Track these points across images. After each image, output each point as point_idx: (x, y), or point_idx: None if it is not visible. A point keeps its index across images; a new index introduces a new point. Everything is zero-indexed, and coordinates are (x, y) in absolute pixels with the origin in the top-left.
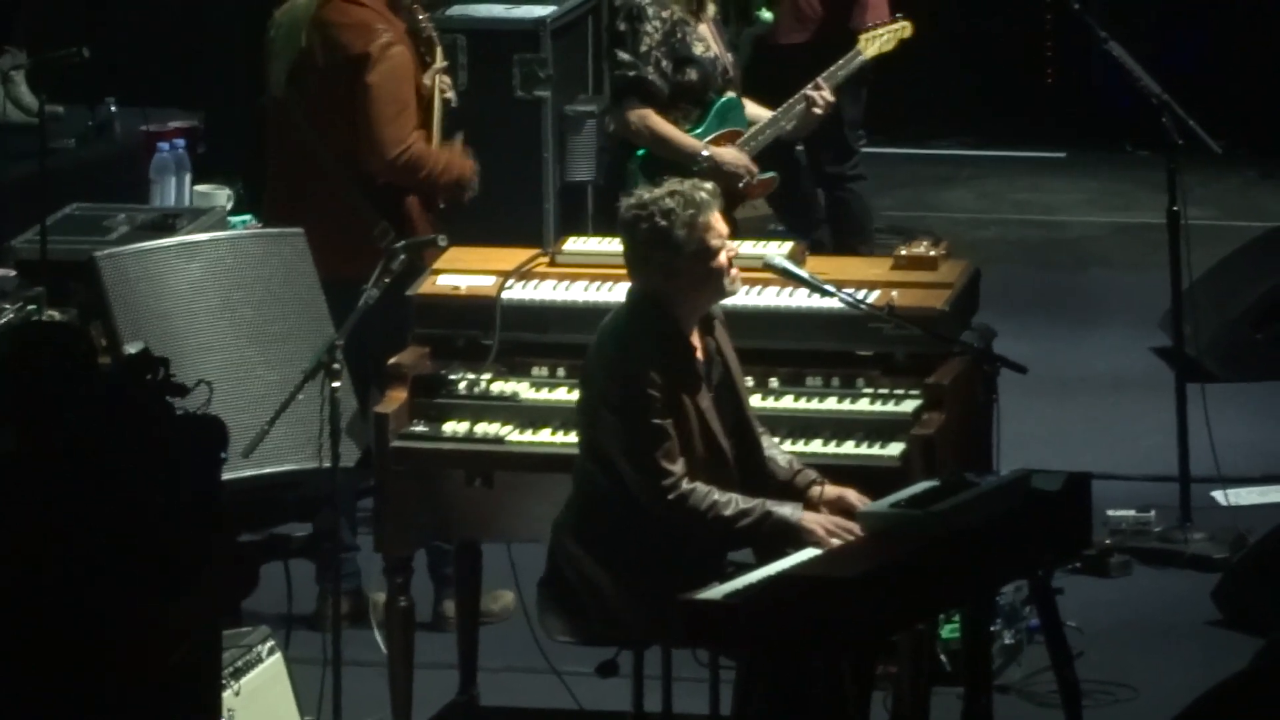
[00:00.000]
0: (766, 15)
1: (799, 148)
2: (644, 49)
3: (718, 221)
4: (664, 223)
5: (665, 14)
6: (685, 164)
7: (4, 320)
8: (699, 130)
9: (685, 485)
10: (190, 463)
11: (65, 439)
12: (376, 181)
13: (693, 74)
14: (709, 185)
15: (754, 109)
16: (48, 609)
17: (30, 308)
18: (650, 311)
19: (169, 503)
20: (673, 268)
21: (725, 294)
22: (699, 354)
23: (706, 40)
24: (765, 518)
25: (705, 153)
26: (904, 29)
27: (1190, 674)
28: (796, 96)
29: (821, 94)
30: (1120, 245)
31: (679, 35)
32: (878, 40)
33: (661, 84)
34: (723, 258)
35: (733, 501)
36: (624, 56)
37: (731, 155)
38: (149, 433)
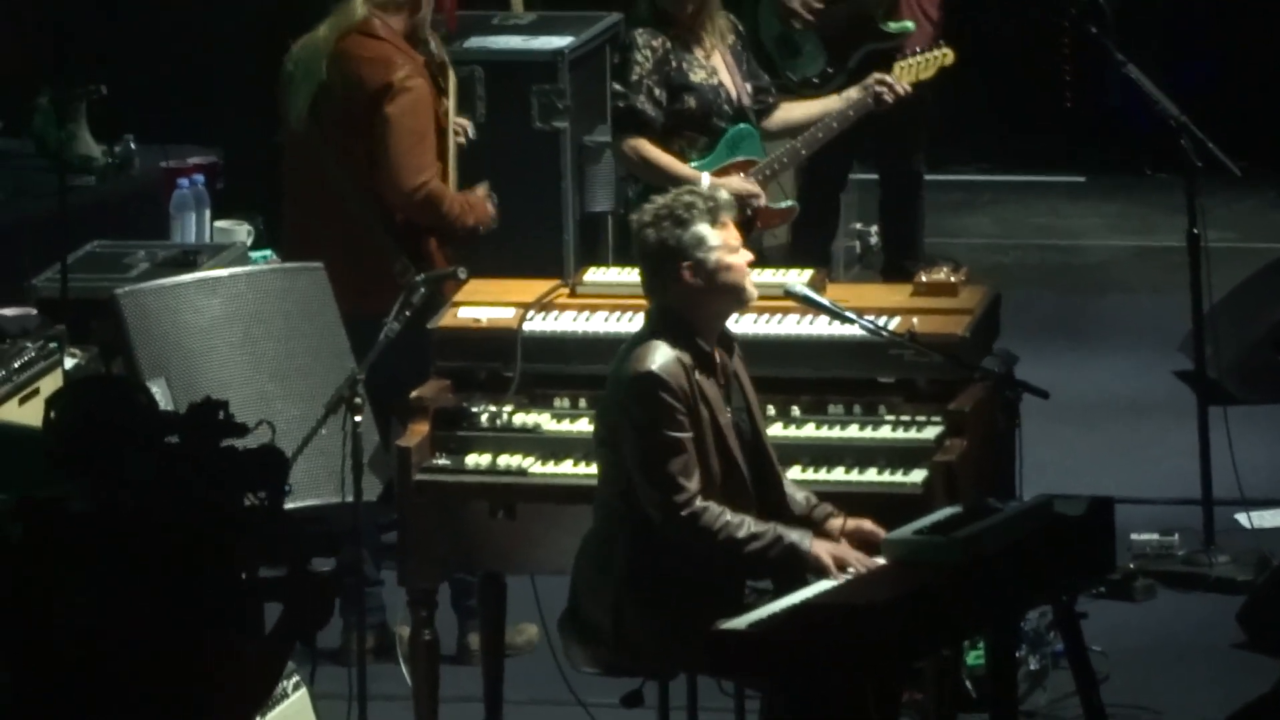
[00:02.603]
0: (910, 25)
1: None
2: (635, 78)
3: (732, 227)
4: (678, 229)
5: (656, 42)
6: None
7: (25, 358)
8: (707, 160)
9: (699, 504)
10: (251, 500)
11: (133, 497)
12: (396, 215)
13: (690, 101)
14: (724, 192)
15: (807, 107)
16: (126, 660)
17: (52, 345)
18: (670, 327)
19: (235, 542)
20: (689, 272)
21: (743, 300)
22: (720, 370)
23: (712, 68)
24: (776, 542)
25: (705, 182)
26: (945, 56)
27: (1216, 697)
28: (862, 89)
29: (897, 86)
30: (1140, 269)
31: (673, 63)
32: (914, 68)
33: (655, 112)
34: (740, 261)
35: (745, 523)
36: (617, 87)
37: (735, 185)
38: (211, 478)
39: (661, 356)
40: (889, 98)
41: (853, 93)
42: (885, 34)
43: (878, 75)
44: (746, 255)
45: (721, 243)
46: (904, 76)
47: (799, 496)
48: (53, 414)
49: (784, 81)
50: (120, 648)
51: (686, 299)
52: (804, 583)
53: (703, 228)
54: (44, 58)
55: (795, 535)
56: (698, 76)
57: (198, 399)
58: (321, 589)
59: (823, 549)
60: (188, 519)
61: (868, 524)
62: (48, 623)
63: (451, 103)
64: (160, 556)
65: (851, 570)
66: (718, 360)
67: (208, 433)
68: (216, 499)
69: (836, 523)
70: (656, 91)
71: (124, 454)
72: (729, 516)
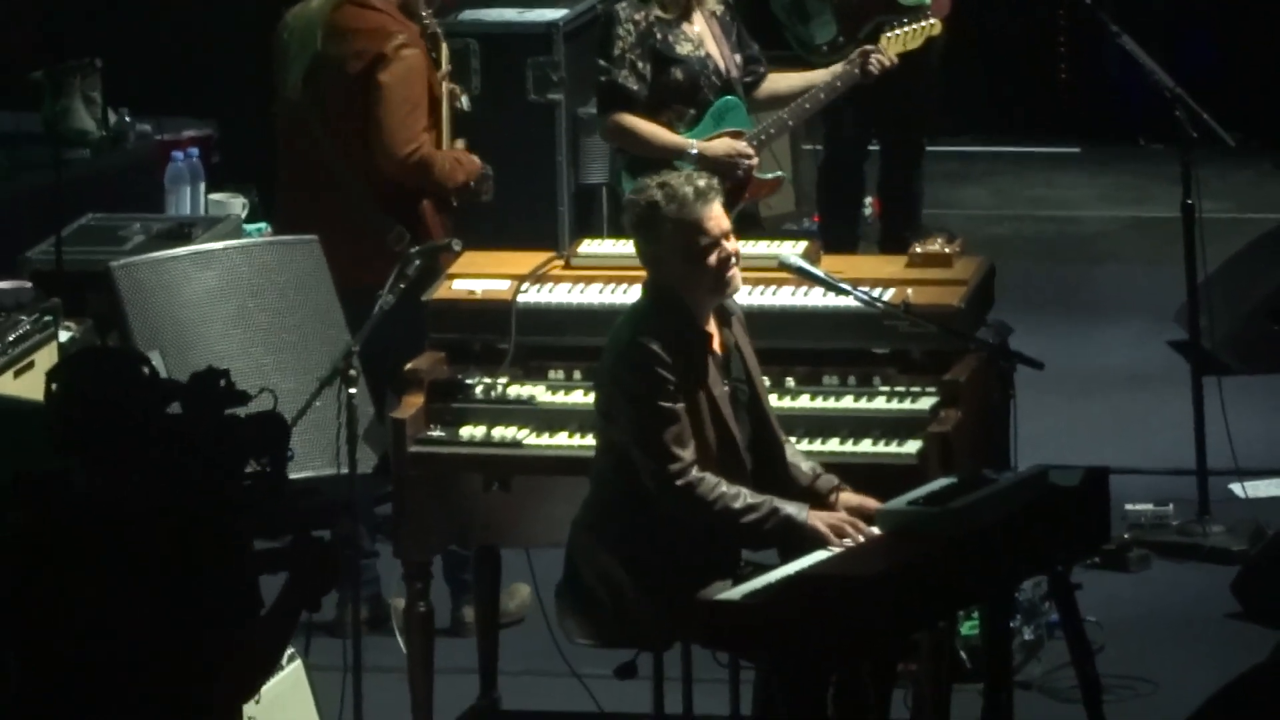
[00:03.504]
0: None
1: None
2: (617, 53)
3: (710, 219)
4: (649, 215)
5: (639, 16)
6: (672, 162)
7: (20, 331)
8: (694, 132)
9: (694, 474)
10: (256, 470)
11: (138, 473)
12: (390, 185)
13: (677, 74)
14: (703, 180)
15: (795, 79)
16: (128, 643)
17: (47, 318)
18: (662, 297)
19: (235, 524)
20: (659, 260)
21: (721, 294)
22: (715, 343)
23: (699, 40)
24: (772, 514)
25: (693, 150)
26: (932, 27)
27: (1211, 667)
28: (848, 62)
29: (880, 57)
30: (1135, 239)
31: (658, 36)
32: (901, 39)
33: (638, 86)
34: (713, 259)
35: (741, 495)
36: (600, 63)
37: (723, 147)
38: (210, 458)
39: (654, 327)
40: (874, 69)
41: (839, 66)
42: (901, 6)
43: (863, 48)
44: (733, 245)
45: (697, 240)
46: (891, 47)
47: (804, 466)
48: (53, 388)
49: (792, 49)
50: (122, 632)
51: (674, 278)
52: (805, 553)
53: (689, 212)
54: (42, 53)
55: (792, 508)
56: (684, 49)
57: (191, 372)
58: (325, 556)
59: (819, 520)
60: (186, 503)
61: (871, 502)
62: (53, 608)
63: (444, 73)
64: (159, 540)
65: (849, 540)
66: (714, 331)
67: (210, 402)
68: (216, 479)
69: (839, 496)
70: (640, 65)
71: (122, 435)
72: (725, 488)
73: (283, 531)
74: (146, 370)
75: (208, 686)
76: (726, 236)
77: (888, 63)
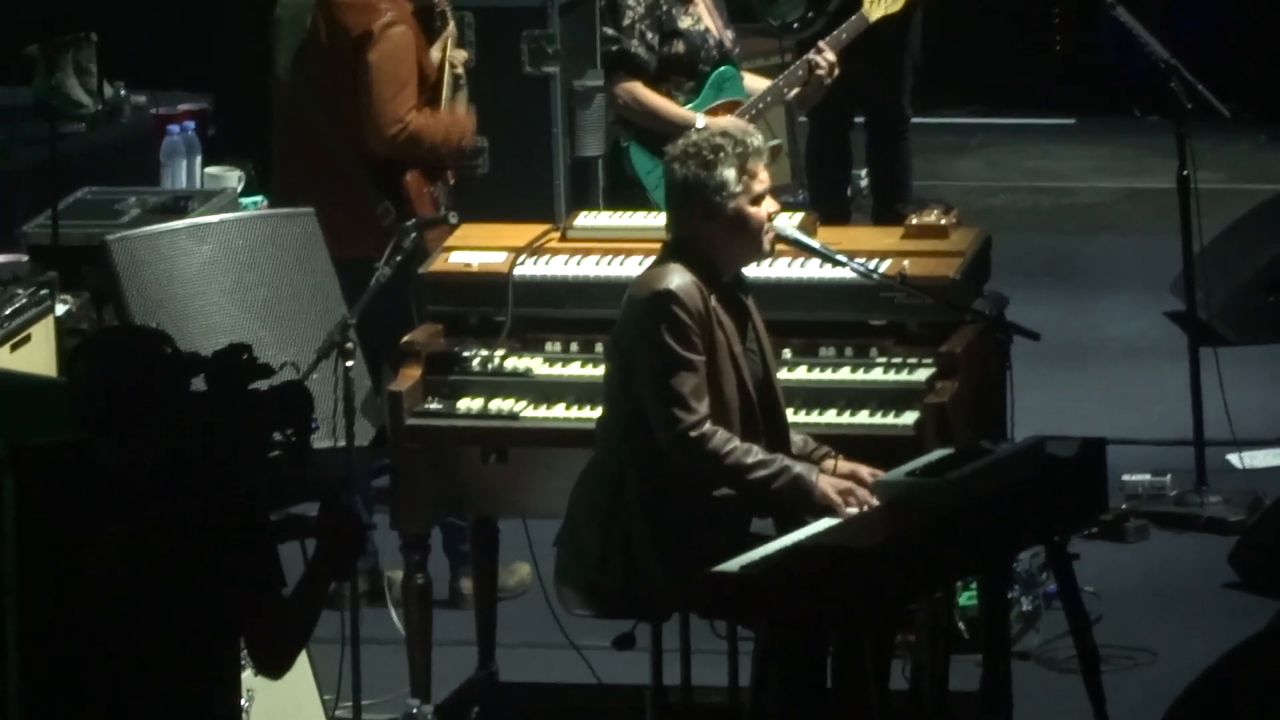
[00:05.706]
0: None
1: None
2: (627, 23)
3: (764, 172)
4: (703, 170)
5: None
6: (679, 136)
7: (16, 305)
8: (695, 102)
9: (708, 427)
10: (281, 440)
11: (165, 450)
12: (379, 159)
13: (679, 46)
14: (758, 138)
15: (753, 81)
16: (159, 617)
17: (43, 292)
18: (687, 257)
19: (268, 486)
20: (714, 208)
21: (761, 251)
22: (736, 307)
23: (697, 14)
24: (783, 472)
25: (700, 123)
26: None
27: (1208, 637)
28: (799, 62)
29: (824, 56)
30: (1131, 211)
31: (664, 8)
32: (883, 1)
33: (647, 57)
34: (763, 209)
35: (753, 451)
36: (608, 32)
37: (728, 124)
38: (241, 425)
39: (679, 278)
40: (821, 73)
41: (795, 68)
42: None
43: (807, 57)
44: (771, 206)
45: (743, 190)
46: (874, 11)
47: (796, 439)
48: (77, 370)
49: (764, 26)
50: (143, 604)
51: (702, 238)
52: (802, 523)
53: (727, 172)
54: (37, 27)
55: (801, 468)
56: (685, 23)
57: (188, 345)
58: (353, 523)
59: (828, 484)
60: (211, 476)
61: (863, 469)
62: (72, 582)
63: (450, 46)
64: (182, 514)
65: (853, 509)
66: (734, 295)
67: (233, 376)
68: (241, 452)
69: (832, 464)
70: (649, 36)
71: (148, 414)
72: (737, 443)
73: (294, 501)
74: (169, 349)
75: (228, 658)
76: (764, 197)
77: (832, 62)
